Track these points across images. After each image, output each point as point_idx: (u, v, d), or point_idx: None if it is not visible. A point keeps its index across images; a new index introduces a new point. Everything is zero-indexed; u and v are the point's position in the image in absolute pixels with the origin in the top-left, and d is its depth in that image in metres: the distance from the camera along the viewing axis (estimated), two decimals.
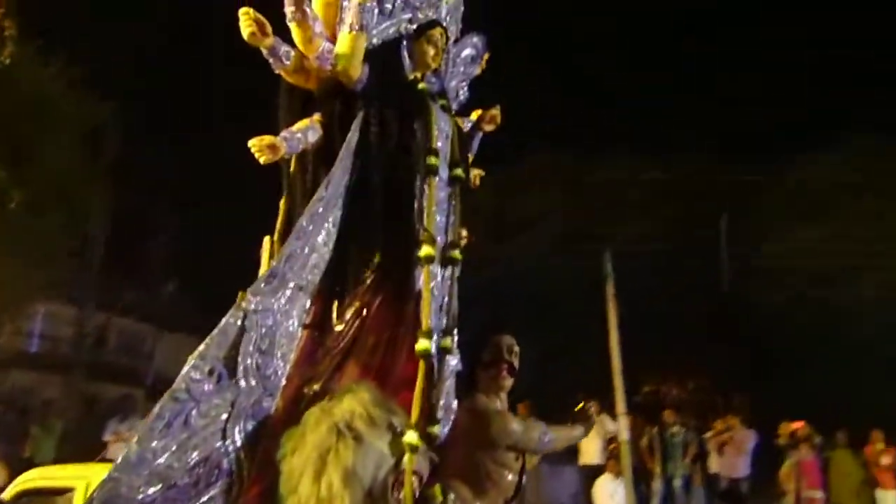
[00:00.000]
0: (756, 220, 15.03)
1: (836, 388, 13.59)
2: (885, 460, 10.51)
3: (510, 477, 3.37)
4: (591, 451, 10.90)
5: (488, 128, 4.00)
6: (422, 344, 3.15)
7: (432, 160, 3.45)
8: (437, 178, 3.46)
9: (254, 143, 3.15)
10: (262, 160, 3.17)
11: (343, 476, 2.58)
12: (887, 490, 10.35)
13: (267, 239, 3.48)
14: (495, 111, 3.98)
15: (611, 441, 10.65)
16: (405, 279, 3.35)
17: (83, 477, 4.22)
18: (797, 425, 10.63)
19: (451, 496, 3.12)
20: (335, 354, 3.19)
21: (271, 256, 3.37)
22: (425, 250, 3.30)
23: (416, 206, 3.43)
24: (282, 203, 3.51)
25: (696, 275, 14.35)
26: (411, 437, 2.78)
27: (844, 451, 10.67)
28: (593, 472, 10.31)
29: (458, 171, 3.61)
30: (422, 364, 3.13)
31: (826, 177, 15.08)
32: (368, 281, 3.33)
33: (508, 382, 3.53)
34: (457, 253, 3.51)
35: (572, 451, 10.95)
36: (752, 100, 18.74)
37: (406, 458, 2.73)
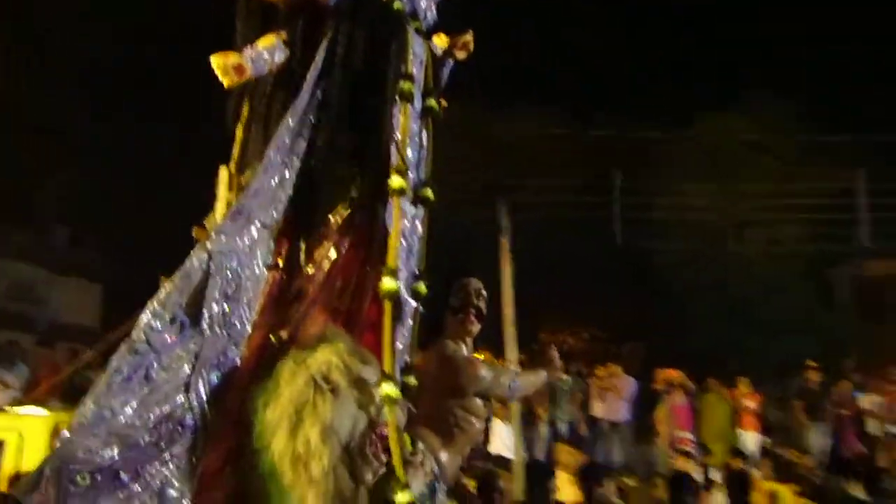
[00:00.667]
0: (652, 175, 15.47)
1: (724, 338, 14.28)
2: (749, 404, 11.22)
3: (478, 425, 3.28)
4: None
5: (461, 55, 3.62)
6: (387, 284, 2.89)
7: (407, 86, 3.15)
8: (410, 107, 3.16)
9: (218, 63, 2.82)
10: (226, 83, 2.87)
11: (321, 431, 2.48)
12: (748, 431, 11.08)
13: (224, 169, 3.19)
14: (468, 37, 3.58)
15: None
16: (376, 215, 3.07)
17: (12, 429, 3.92)
18: (672, 373, 11.18)
19: (420, 445, 3.01)
20: (303, 299, 2.95)
21: (230, 188, 3.14)
22: (397, 182, 3.02)
23: (388, 136, 3.11)
24: (238, 131, 3.20)
25: (592, 228, 14.72)
26: (390, 389, 2.65)
27: (714, 396, 11.30)
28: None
29: (432, 102, 3.31)
30: (388, 306, 2.87)
31: (720, 136, 15.62)
32: (338, 218, 3.08)
33: (476, 328, 3.42)
34: (429, 192, 3.24)
35: None
36: (654, 59, 19.15)
37: (387, 411, 2.61)
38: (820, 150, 15.58)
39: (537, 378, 3.59)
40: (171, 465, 2.49)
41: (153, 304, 2.57)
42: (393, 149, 3.10)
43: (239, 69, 2.88)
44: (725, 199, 15.80)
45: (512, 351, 10.97)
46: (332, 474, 2.48)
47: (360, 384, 2.61)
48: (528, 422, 11.15)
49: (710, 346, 13.61)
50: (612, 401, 11.32)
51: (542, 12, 19.90)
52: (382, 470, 2.62)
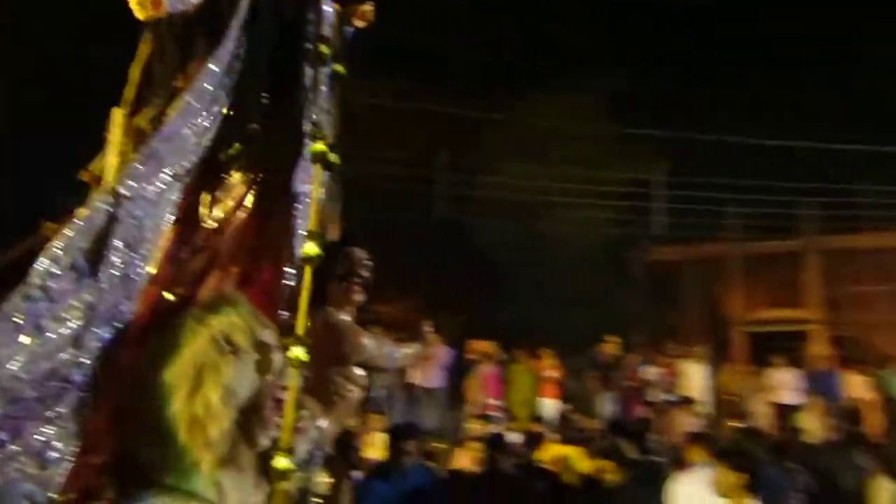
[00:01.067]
0: (476, 153, 16.08)
1: (532, 312, 15.16)
2: (551, 374, 12.18)
3: (358, 393, 3.24)
4: None
5: (360, 24, 3.50)
6: (309, 248, 2.77)
7: (324, 49, 3.03)
8: (324, 71, 3.03)
9: None
10: (141, 15, 2.61)
11: (222, 393, 2.31)
12: (549, 399, 12.04)
13: (118, 111, 2.87)
14: (368, 6, 3.49)
15: None
16: (287, 178, 2.91)
17: None
18: (484, 344, 11.86)
19: (305, 412, 2.88)
20: (202, 256, 2.76)
21: (124, 132, 2.79)
22: (319, 147, 2.89)
23: (306, 97, 2.97)
24: (134, 71, 2.89)
25: (416, 202, 15.09)
26: (300, 352, 2.52)
27: (521, 367, 12.14)
28: None
29: (340, 67, 3.20)
30: (308, 271, 2.74)
31: (538, 120, 16.49)
32: (246, 175, 2.89)
33: (360, 298, 3.38)
34: (335, 157, 3.09)
35: None
36: (487, 40, 19.72)
37: (293, 374, 2.47)
38: (625, 141, 16.97)
39: (413, 350, 3.71)
40: (54, 425, 2.29)
41: (52, 247, 2.32)
42: (311, 113, 3.00)
43: (155, 2, 2.69)
44: (539, 180, 16.79)
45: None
46: (229, 438, 2.37)
47: (260, 347, 2.48)
48: None
49: (520, 319, 14.46)
50: (428, 368, 11.81)
51: None
52: (277, 435, 2.53)
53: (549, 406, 11.89)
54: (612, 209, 16.79)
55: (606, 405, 12.38)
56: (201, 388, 2.34)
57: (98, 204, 2.42)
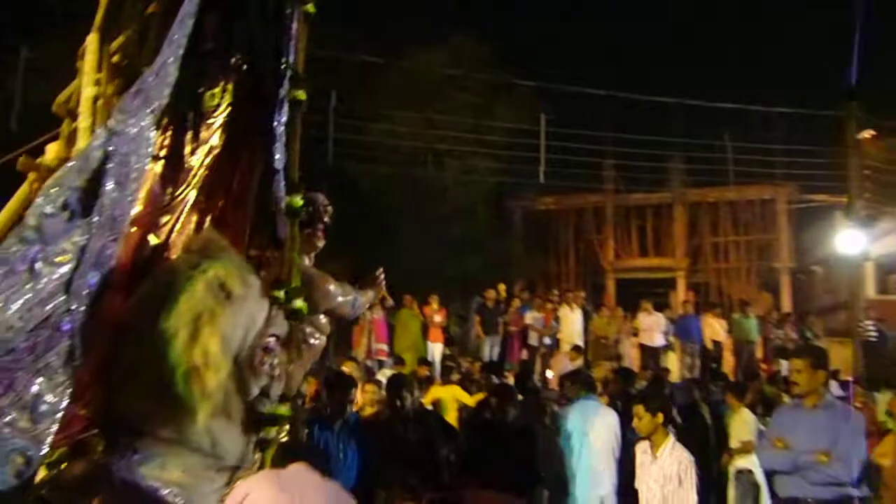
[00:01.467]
0: (366, 100, 15.88)
1: (420, 257, 15.33)
2: (437, 318, 12.49)
3: (322, 340, 3.25)
4: None
5: None
6: (294, 200, 2.91)
7: None
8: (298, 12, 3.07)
9: None
10: None
11: (220, 342, 2.32)
12: (435, 343, 12.38)
13: (93, 37, 2.84)
14: None
15: None
16: (262, 118, 2.94)
17: None
18: None
19: (274, 360, 2.88)
20: (182, 199, 2.78)
21: (101, 58, 2.79)
22: (300, 95, 3.00)
23: (279, 39, 3.04)
24: None
25: (305, 147, 14.79)
26: (300, 304, 2.60)
27: (408, 312, 12.36)
28: None
29: (311, 7, 3.25)
30: (293, 223, 2.88)
31: (427, 68, 16.44)
32: (223, 113, 2.92)
33: (322, 243, 3.39)
34: (302, 93, 3.16)
35: None
36: None
37: (291, 325, 2.53)
38: (509, 92, 17.24)
39: (368, 298, 3.73)
40: (44, 376, 2.25)
41: (48, 186, 2.28)
42: (283, 55, 3.04)
43: None
44: (427, 128, 16.83)
45: None
46: (224, 387, 2.37)
47: (252, 293, 2.51)
48: None
49: (408, 265, 14.67)
50: None
51: None
52: (267, 383, 2.55)
53: (436, 349, 12.23)
54: (495, 158, 17.10)
55: (489, 349, 12.85)
56: (200, 336, 2.36)
57: (95, 142, 2.40)
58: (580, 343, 12.86)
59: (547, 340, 13.15)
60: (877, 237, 18.96)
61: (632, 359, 13.41)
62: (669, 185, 18.79)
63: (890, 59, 16.41)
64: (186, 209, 2.89)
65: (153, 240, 2.77)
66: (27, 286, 2.25)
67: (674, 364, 13.40)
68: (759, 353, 13.76)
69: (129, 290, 2.51)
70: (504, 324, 13.21)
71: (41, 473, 2.34)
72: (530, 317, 13.36)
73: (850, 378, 10.88)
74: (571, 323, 13.21)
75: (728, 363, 13.60)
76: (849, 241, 13.88)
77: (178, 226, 2.84)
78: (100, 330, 2.44)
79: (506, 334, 13.18)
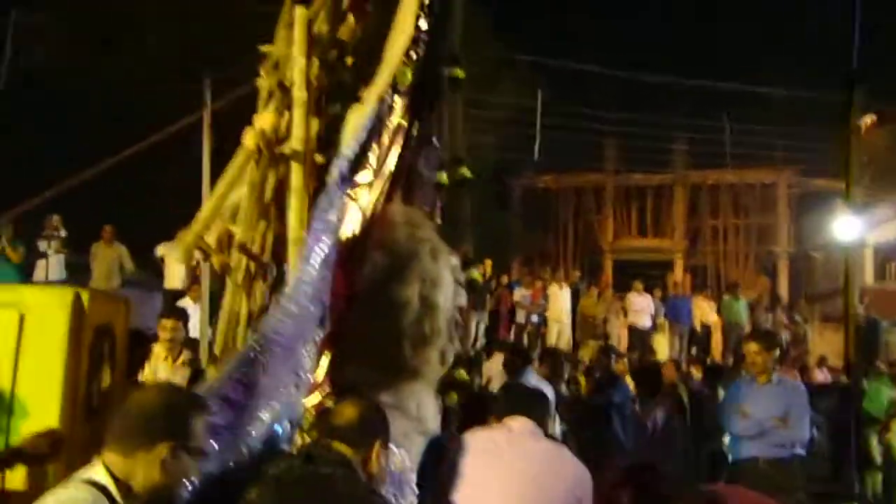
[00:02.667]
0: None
1: None
2: None
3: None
4: (174, 275, 10.90)
5: None
6: (464, 171, 3.45)
7: None
8: None
9: None
10: None
11: (441, 310, 2.67)
12: None
13: (300, 11, 3.09)
14: None
15: (197, 266, 10.81)
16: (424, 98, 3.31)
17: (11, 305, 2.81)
18: None
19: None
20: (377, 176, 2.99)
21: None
22: (456, 72, 3.44)
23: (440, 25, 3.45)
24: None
25: None
26: (475, 273, 2.95)
27: None
28: (175, 297, 10.34)
29: None
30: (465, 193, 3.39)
31: None
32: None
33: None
34: (460, 71, 3.55)
35: (160, 276, 10.86)
36: None
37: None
38: (510, 67, 17.07)
39: None
40: (309, 344, 2.49)
41: (287, 290, 2.46)
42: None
43: None
44: None
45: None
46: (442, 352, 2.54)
47: (453, 263, 2.66)
48: (217, 304, 11.20)
49: None
50: None
51: None
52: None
53: None
54: (493, 135, 17.02)
55: (478, 324, 12.83)
56: (429, 302, 2.54)
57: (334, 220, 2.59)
58: (567, 322, 12.85)
59: (535, 318, 13.11)
60: (876, 224, 18.79)
61: (620, 339, 13.37)
62: (671, 167, 18.66)
63: (893, 44, 16.15)
64: (381, 186, 3.10)
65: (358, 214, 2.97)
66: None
67: (662, 345, 13.40)
68: None
69: (343, 264, 2.65)
70: (493, 300, 13.16)
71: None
72: (519, 294, 13.32)
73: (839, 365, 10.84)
74: (560, 301, 13.15)
75: (717, 345, 13.58)
76: (846, 227, 13.71)
77: (377, 200, 3.05)
78: (332, 305, 2.59)
79: (495, 311, 13.15)
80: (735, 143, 16.99)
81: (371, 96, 2.99)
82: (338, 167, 2.73)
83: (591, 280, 15.79)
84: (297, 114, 3.03)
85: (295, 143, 2.97)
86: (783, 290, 17.57)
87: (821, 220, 17.08)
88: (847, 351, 12.38)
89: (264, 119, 3.13)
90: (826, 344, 14.35)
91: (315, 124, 3.05)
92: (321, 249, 2.49)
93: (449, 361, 2.77)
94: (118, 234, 10.55)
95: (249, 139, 3.06)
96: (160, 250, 8.18)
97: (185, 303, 9.92)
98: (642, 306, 13.51)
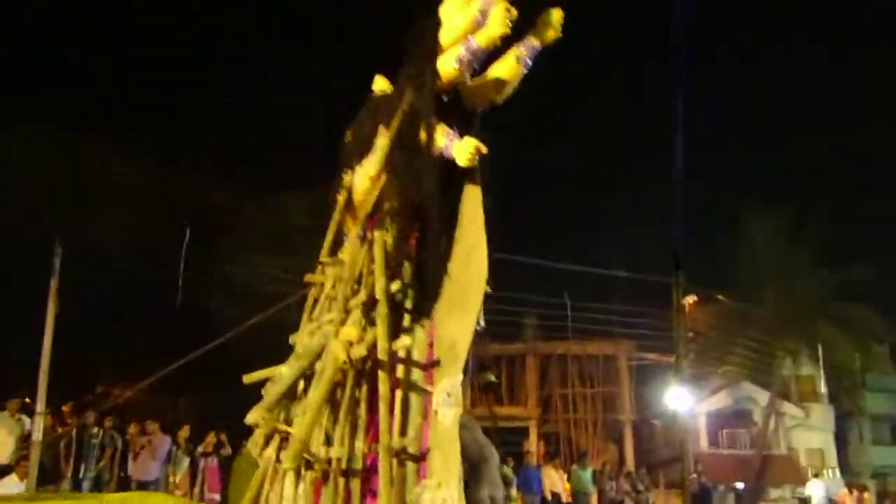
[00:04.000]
0: (223, 238, 16.02)
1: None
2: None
3: None
4: (1, 450, 10.21)
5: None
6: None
7: None
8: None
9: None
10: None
11: None
12: None
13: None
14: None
15: (27, 439, 10.19)
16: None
17: None
18: (208, 438, 11.59)
19: None
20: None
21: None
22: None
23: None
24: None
25: (158, 283, 14.66)
26: None
27: (245, 457, 12.00)
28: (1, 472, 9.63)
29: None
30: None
31: (288, 214, 16.83)
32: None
33: None
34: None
35: None
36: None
37: None
38: None
39: None
40: None
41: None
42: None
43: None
44: (287, 270, 17.03)
45: (41, 401, 10.43)
46: None
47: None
48: (49, 479, 10.51)
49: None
50: (145, 460, 11.12)
51: None
52: None
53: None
54: None
55: None
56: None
57: None
58: None
59: None
60: (709, 393, 20.34)
61: None
62: (523, 338, 19.66)
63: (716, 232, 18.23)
64: None
65: None
66: None
67: None
68: None
69: None
70: None
71: None
72: None
73: None
74: None
75: None
76: (677, 397, 14.92)
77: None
78: None
79: None
80: (575, 318, 18.25)
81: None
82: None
83: None
84: (381, 328, 3.61)
85: (381, 353, 3.53)
86: (629, 456, 18.40)
87: (657, 390, 18.40)
88: None
89: (349, 332, 3.53)
90: None
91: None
92: None
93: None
94: None
95: (339, 350, 3.50)
96: None
97: (11, 480, 9.28)
98: None
